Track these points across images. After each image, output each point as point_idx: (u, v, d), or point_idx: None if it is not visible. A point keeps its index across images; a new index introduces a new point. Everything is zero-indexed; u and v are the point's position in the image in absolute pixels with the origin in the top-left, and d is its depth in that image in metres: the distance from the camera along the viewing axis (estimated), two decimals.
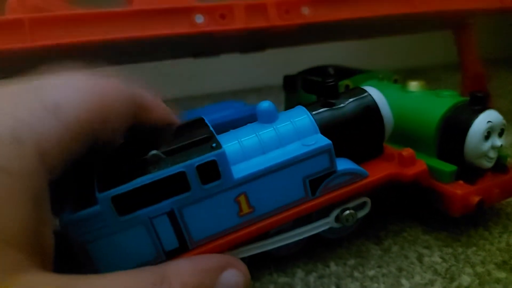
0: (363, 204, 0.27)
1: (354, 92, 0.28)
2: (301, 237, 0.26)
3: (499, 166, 0.30)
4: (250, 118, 0.27)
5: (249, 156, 0.24)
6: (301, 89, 0.39)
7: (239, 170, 0.23)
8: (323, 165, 0.24)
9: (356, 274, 0.26)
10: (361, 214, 0.27)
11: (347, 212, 0.26)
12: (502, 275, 0.25)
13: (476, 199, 0.27)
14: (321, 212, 0.26)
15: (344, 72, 0.38)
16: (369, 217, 0.31)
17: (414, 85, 0.33)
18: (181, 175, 0.22)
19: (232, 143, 0.24)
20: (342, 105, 0.27)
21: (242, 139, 0.25)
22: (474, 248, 0.28)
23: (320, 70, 0.40)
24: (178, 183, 0.22)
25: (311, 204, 0.25)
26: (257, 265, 0.27)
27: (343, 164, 0.26)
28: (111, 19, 0.30)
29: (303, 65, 0.41)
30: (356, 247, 0.29)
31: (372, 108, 0.27)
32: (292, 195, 0.24)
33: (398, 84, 0.35)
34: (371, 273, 0.26)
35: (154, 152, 0.22)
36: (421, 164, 0.27)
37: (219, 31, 0.33)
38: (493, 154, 0.29)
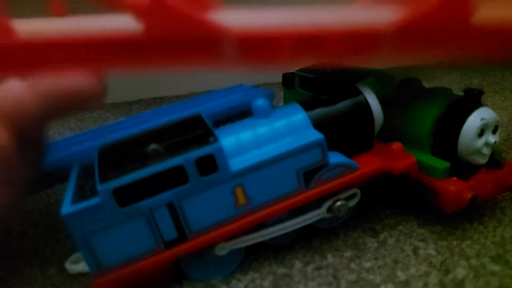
0: (353, 195, 0.28)
1: (346, 89, 0.29)
2: (294, 228, 0.27)
3: (493, 161, 0.30)
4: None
5: (245, 150, 0.25)
6: (298, 86, 0.39)
7: (236, 163, 0.24)
8: (316, 158, 0.26)
9: (352, 265, 0.27)
10: (351, 203, 0.28)
11: (339, 203, 0.27)
12: (497, 268, 0.26)
13: (469, 195, 0.28)
14: (313, 203, 0.27)
15: (341, 69, 0.38)
16: (366, 211, 0.32)
17: (409, 82, 0.34)
18: (180, 168, 0.22)
19: (228, 138, 0.25)
20: (334, 101, 0.28)
21: (238, 134, 0.26)
22: (469, 242, 0.28)
23: (318, 68, 0.40)
24: (177, 176, 0.23)
25: (304, 195, 0.26)
26: (256, 256, 0.28)
27: (335, 157, 0.27)
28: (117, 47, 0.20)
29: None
30: (353, 240, 0.29)
31: (363, 105, 0.28)
32: (286, 187, 0.25)
33: (393, 81, 0.36)
34: (368, 265, 0.27)
35: (154, 146, 0.23)
36: (410, 157, 0.28)
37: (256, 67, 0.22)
38: (486, 151, 0.29)
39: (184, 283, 0.26)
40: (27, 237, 0.32)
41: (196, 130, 0.24)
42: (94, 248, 0.22)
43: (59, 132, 0.58)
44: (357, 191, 0.28)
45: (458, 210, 0.28)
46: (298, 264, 0.27)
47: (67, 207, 0.21)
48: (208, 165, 0.23)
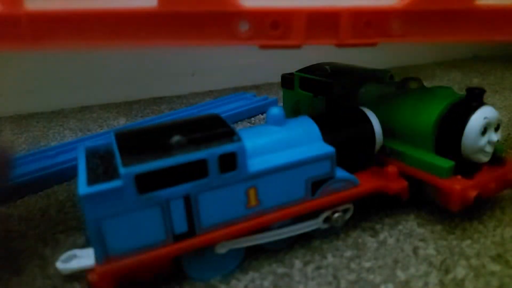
0: (347, 209, 0.29)
1: (352, 111, 0.31)
2: (291, 235, 0.27)
3: (495, 158, 0.30)
4: (261, 108, 0.29)
5: (260, 153, 0.26)
6: (297, 87, 0.39)
7: (252, 165, 0.25)
8: (325, 169, 0.27)
9: (352, 265, 0.27)
10: (347, 216, 0.29)
11: (337, 214, 0.28)
12: (496, 268, 0.26)
13: (474, 193, 0.28)
14: (310, 213, 0.28)
15: (341, 70, 0.38)
16: (365, 210, 0.32)
17: (410, 83, 0.34)
18: (202, 162, 0.23)
19: (245, 140, 0.25)
20: (341, 120, 0.30)
21: (253, 137, 0.27)
22: (469, 241, 0.28)
23: (317, 69, 0.40)
24: (197, 169, 0.23)
25: (310, 204, 0.27)
26: (256, 256, 0.28)
27: (339, 172, 0.28)
28: (133, 21, 0.21)
29: (301, 63, 0.42)
30: (353, 240, 0.29)
31: (367, 127, 0.30)
32: (294, 194, 0.26)
33: (395, 82, 0.36)
34: (367, 264, 0.27)
35: (177, 137, 0.23)
36: (402, 181, 0.30)
37: (268, 46, 0.24)
38: (489, 149, 0.29)
39: (184, 283, 0.26)
40: (27, 237, 0.32)
41: (218, 128, 0.25)
42: (104, 233, 0.22)
43: (59, 132, 0.58)
44: (351, 206, 0.29)
45: (462, 208, 0.28)
46: (298, 264, 0.27)
47: (84, 188, 0.21)
48: (229, 162, 0.23)
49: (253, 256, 0.28)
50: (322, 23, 0.24)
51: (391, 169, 0.30)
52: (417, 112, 0.31)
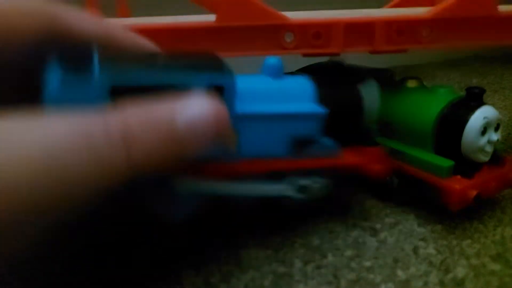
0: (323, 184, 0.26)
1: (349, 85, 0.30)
2: (259, 194, 0.25)
3: (495, 158, 0.30)
4: None
5: (249, 99, 0.24)
6: None
7: (240, 107, 0.23)
8: (311, 130, 0.26)
9: (353, 265, 0.27)
10: (323, 191, 0.26)
11: (310, 181, 0.26)
12: (497, 267, 0.26)
13: (473, 193, 0.28)
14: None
15: (342, 69, 0.38)
16: (365, 210, 0.32)
17: (411, 82, 0.34)
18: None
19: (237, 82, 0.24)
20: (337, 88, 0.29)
21: (246, 83, 0.25)
22: (469, 241, 0.28)
23: (319, 68, 0.40)
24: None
25: (290, 162, 0.25)
26: (256, 255, 0.28)
27: (325, 139, 0.27)
28: (190, 33, 0.26)
29: (301, 62, 0.41)
30: (353, 239, 0.29)
31: (357, 100, 0.29)
32: (275, 149, 0.25)
33: (395, 81, 0.36)
34: (368, 264, 0.27)
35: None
36: (387, 161, 0.29)
37: (311, 54, 0.28)
38: (489, 149, 0.29)
39: (184, 282, 0.26)
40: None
41: (212, 61, 0.23)
42: None
43: None
44: (327, 181, 0.26)
45: (462, 208, 0.28)
46: (298, 263, 0.27)
47: None
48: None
49: (253, 255, 0.28)
50: (358, 32, 0.27)
51: (375, 149, 0.29)
52: (417, 111, 0.31)
